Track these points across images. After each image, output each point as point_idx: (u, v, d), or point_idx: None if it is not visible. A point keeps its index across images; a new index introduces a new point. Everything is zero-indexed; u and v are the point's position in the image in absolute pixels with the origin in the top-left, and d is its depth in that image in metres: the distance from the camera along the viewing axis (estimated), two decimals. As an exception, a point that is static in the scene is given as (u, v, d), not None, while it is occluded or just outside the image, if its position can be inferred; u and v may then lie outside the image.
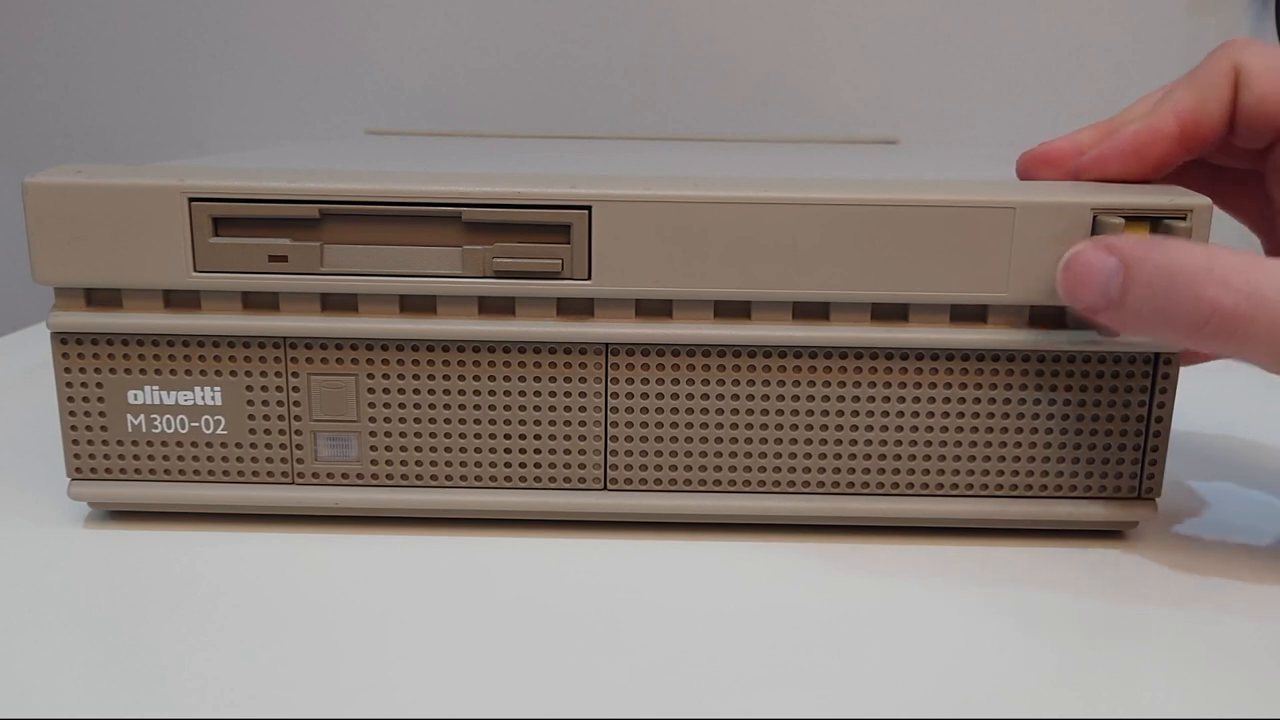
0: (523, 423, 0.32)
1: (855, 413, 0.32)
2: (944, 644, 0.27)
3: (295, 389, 0.32)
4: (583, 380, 0.31)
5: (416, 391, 0.32)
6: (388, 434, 0.32)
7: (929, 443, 0.32)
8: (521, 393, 0.32)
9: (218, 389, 0.31)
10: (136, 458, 0.32)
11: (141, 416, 0.32)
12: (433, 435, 0.32)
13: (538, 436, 0.32)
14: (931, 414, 0.32)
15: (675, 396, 0.32)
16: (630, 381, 0.31)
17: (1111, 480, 0.32)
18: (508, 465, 0.32)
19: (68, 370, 0.31)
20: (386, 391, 0.31)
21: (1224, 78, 0.31)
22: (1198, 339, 0.27)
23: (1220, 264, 0.27)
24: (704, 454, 0.32)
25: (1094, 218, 0.30)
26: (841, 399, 0.32)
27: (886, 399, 0.32)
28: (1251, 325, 0.26)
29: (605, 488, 0.32)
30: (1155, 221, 0.30)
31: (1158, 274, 0.27)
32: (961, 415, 0.32)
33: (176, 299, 0.31)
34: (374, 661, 0.26)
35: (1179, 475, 0.38)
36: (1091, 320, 0.30)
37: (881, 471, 0.32)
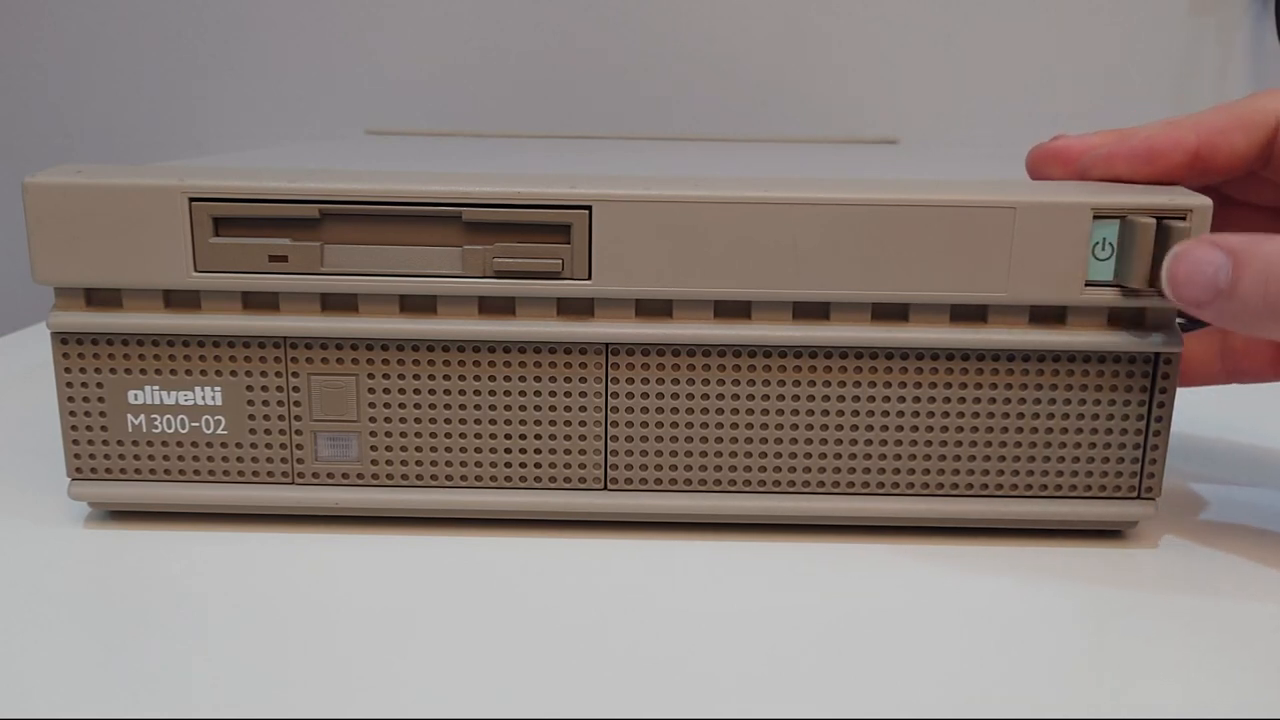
0: (523, 423, 0.32)
1: (855, 413, 0.32)
2: (944, 644, 0.27)
3: (295, 389, 0.32)
4: (583, 380, 0.31)
5: (416, 391, 0.32)
6: (388, 434, 0.32)
7: (929, 442, 0.32)
8: (521, 393, 0.32)
9: (218, 389, 0.31)
10: (137, 458, 0.32)
11: (142, 416, 0.32)
12: (433, 435, 0.32)
13: (538, 436, 0.32)
14: (931, 414, 0.32)
15: (675, 396, 0.32)
16: (630, 381, 0.31)
17: (1111, 480, 0.32)
18: (508, 465, 0.32)
19: (68, 370, 0.31)
20: (387, 391, 0.32)
21: (1262, 118, 0.31)
22: None
23: None
24: (704, 454, 0.32)
25: (1094, 216, 0.30)
26: (841, 399, 0.32)
27: (886, 399, 0.32)
28: None
29: (605, 488, 0.32)
30: (1156, 223, 0.30)
31: (1269, 265, 0.28)
32: (961, 415, 0.32)
33: (177, 299, 0.31)
34: (374, 661, 0.26)
35: (1179, 475, 0.38)
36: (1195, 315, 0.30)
37: (882, 471, 0.32)
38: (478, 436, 0.32)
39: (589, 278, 0.30)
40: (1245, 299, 0.28)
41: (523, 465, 0.32)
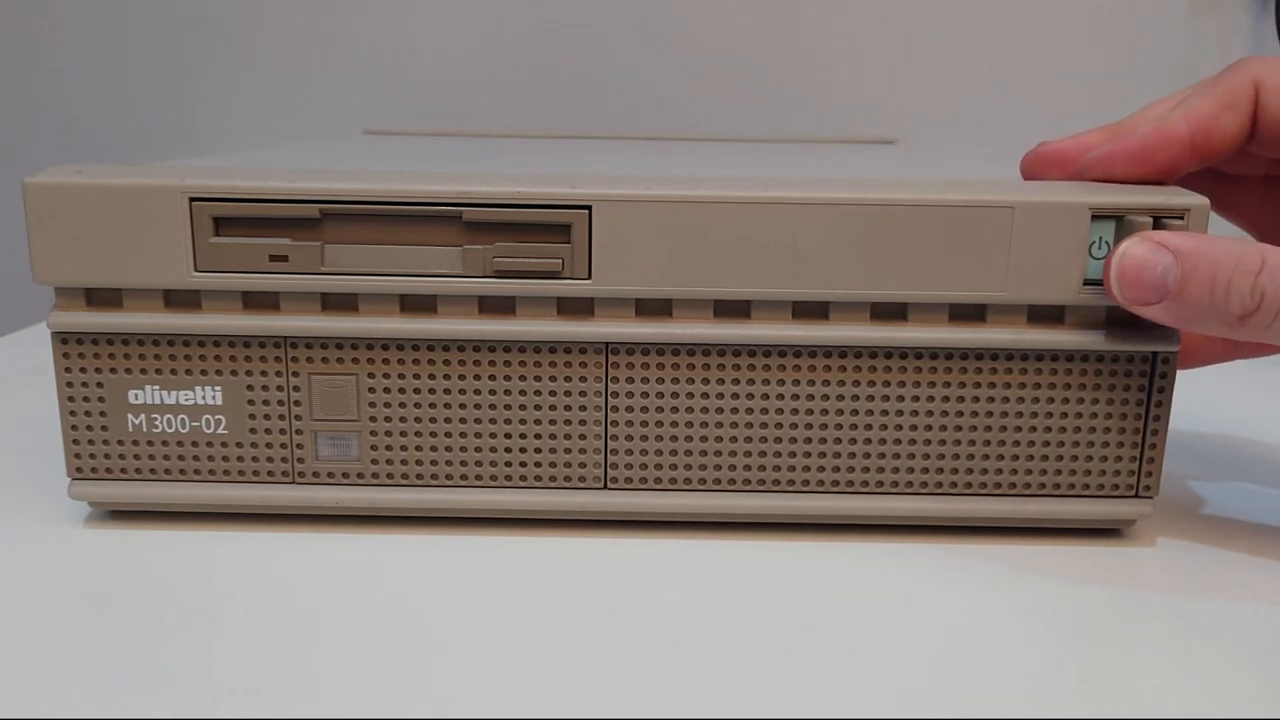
0: (523, 422, 0.32)
1: (855, 412, 0.32)
2: (944, 643, 0.27)
3: (296, 389, 0.32)
4: (583, 380, 0.32)
5: (417, 391, 0.32)
6: (388, 434, 0.32)
7: (928, 442, 0.32)
8: (522, 392, 0.32)
9: (218, 389, 0.32)
10: (137, 457, 0.32)
11: (142, 416, 0.32)
12: (433, 435, 0.32)
13: (538, 436, 0.32)
14: (931, 413, 0.32)
15: (675, 396, 0.32)
16: (630, 381, 0.32)
17: (1110, 478, 0.32)
18: (508, 465, 0.32)
19: (68, 370, 0.31)
20: (387, 391, 0.32)
21: (1244, 91, 0.31)
22: (1243, 328, 0.29)
23: (1271, 255, 0.28)
24: (704, 454, 0.32)
25: (1091, 216, 0.30)
26: (841, 399, 0.32)
27: (886, 399, 0.32)
28: None
29: (605, 487, 0.32)
30: (1153, 221, 0.30)
31: (1217, 267, 0.28)
32: (961, 415, 0.32)
33: (177, 299, 0.31)
34: (374, 660, 0.26)
35: (1177, 474, 0.38)
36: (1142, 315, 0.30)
37: (881, 471, 0.32)
38: (478, 436, 0.32)
39: (589, 277, 0.30)
40: (1193, 301, 0.29)
41: (523, 465, 0.32)
